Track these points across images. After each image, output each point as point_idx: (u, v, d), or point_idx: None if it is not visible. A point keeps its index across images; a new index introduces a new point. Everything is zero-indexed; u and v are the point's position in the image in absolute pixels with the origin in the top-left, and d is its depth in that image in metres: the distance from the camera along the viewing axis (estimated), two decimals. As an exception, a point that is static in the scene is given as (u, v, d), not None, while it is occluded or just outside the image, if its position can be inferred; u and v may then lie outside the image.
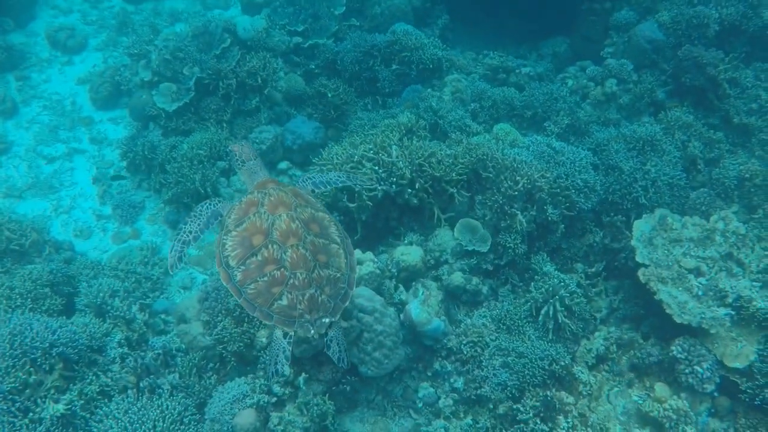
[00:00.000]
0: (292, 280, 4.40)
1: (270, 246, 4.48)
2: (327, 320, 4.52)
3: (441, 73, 10.22)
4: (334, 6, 11.61)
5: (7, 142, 10.15)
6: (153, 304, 7.42)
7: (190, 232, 4.98)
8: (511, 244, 6.85)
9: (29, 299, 6.57)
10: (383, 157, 7.19)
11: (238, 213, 4.76)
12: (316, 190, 5.61)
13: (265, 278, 4.42)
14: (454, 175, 7.14)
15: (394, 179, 7.04)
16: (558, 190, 7.15)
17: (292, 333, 4.53)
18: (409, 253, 6.96)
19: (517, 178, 6.82)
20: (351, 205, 7.21)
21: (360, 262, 6.50)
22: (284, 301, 4.39)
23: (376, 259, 6.61)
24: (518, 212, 6.82)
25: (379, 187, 7.06)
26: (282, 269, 4.43)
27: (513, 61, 10.77)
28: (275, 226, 4.56)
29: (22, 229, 7.66)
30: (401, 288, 6.63)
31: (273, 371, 4.61)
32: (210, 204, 5.13)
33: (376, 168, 7.11)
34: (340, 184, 5.89)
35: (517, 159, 7.07)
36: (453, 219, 7.27)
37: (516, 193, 6.80)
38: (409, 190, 7.08)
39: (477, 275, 7.01)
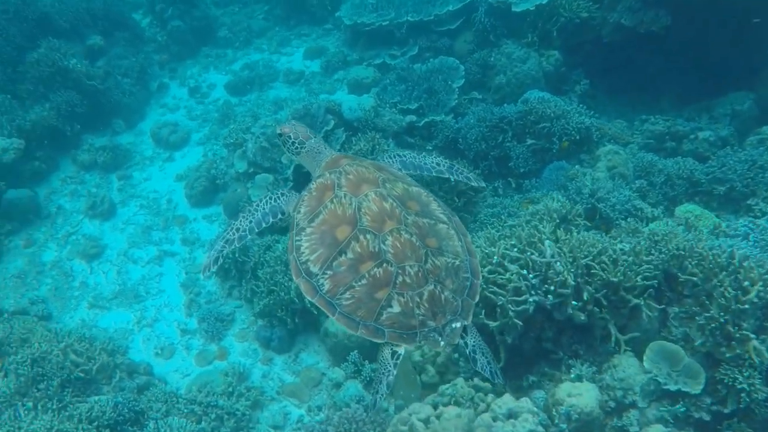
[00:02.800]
0: (401, 277, 3.42)
1: (362, 237, 3.51)
2: (458, 324, 3.51)
3: (591, 145, 8.23)
4: (452, 79, 10.13)
5: (100, 245, 9.23)
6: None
7: (238, 230, 4.04)
8: (744, 384, 4.51)
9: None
10: (533, 256, 5.23)
11: (309, 204, 3.79)
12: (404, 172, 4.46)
13: (363, 281, 3.44)
14: (638, 279, 5.02)
15: (551, 287, 5.03)
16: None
17: (401, 351, 3.52)
18: (580, 393, 4.83)
19: (745, 283, 4.56)
20: (491, 323, 5.27)
21: (512, 414, 4.44)
22: (396, 308, 3.40)
23: (535, 409, 4.51)
24: (751, 335, 4.50)
25: (530, 299, 5.08)
26: (384, 264, 3.44)
27: (683, 124, 8.58)
28: (363, 210, 3.60)
29: (92, 351, 6.38)
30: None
31: (372, 401, 3.60)
32: (269, 198, 4.14)
33: (524, 272, 5.13)
34: (435, 174, 4.64)
35: (737, 254, 4.83)
36: (638, 341, 5.16)
37: (746, 306, 4.52)
38: (574, 303, 5.01)
39: (687, 429, 4.68)
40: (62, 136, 10.78)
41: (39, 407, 5.57)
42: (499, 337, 5.50)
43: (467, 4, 11.09)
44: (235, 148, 9.22)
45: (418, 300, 3.43)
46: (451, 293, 3.55)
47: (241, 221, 4.06)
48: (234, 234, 4.03)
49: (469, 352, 3.73)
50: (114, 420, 5.68)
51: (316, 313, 6.96)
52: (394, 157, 4.55)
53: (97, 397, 5.99)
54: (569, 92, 10.14)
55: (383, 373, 3.54)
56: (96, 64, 12.25)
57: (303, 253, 3.63)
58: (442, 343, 3.48)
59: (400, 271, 3.43)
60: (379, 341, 3.46)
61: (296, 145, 4.26)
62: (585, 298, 5.00)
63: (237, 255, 7.70)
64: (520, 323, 5.12)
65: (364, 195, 3.67)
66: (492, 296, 5.33)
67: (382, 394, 3.54)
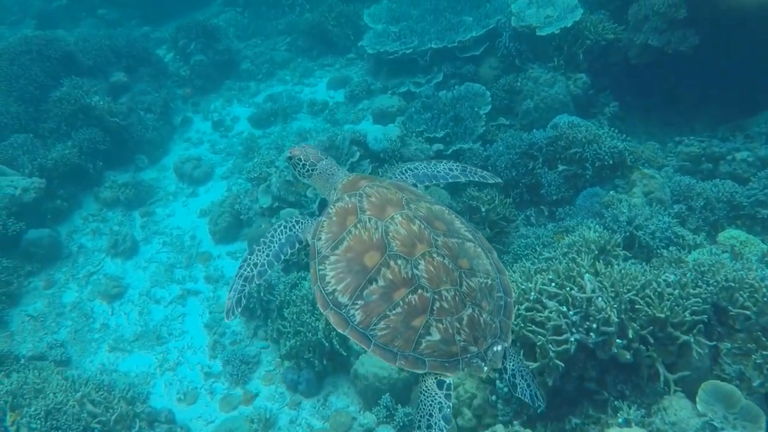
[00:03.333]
0: (438, 303, 3.30)
1: (392, 262, 3.38)
2: (499, 348, 3.40)
3: (624, 169, 7.96)
4: (478, 105, 9.99)
5: (122, 285, 9.16)
6: None
7: (255, 265, 3.82)
8: (810, 430, 4.20)
9: None
10: (573, 292, 4.99)
11: (330, 230, 3.65)
12: (419, 185, 4.32)
13: (398, 309, 3.31)
14: (686, 314, 4.76)
15: (594, 324, 4.78)
16: None
17: (450, 379, 3.36)
18: (629, 440, 4.52)
19: (807, 318, 4.28)
20: (530, 364, 5.02)
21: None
22: (435, 335, 3.28)
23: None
24: (817, 376, 4.22)
25: (572, 338, 4.83)
26: (420, 290, 3.32)
27: (719, 145, 8.29)
28: (391, 234, 3.47)
29: (110, 400, 6.22)
30: None
31: None
32: (284, 227, 3.92)
33: (564, 309, 4.90)
34: (451, 180, 4.50)
35: (795, 286, 4.55)
36: (688, 381, 4.89)
37: (809, 344, 4.23)
38: (619, 341, 4.75)
39: (748, 479, 4.37)
40: (85, 173, 10.83)
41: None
42: (539, 378, 5.25)
43: (490, 30, 11.01)
44: (259, 183, 9.14)
45: (458, 325, 3.31)
46: (488, 315, 3.44)
47: (257, 255, 3.84)
48: (252, 270, 3.82)
49: (509, 377, 3.56)
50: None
51: (345, 354, 6.76)
52: (406, 172, 4.40)
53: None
54: (598, 115, 9.94)
55: (431, 405, 3.35)
56: (119, 101, 12.36)
57: (329, 282, 3.49)
58: (485, 368, 3.35)
59: (436, 297, 3.32)
60: (420, 372, 3.32)
61: (307, 167, 4.11)
62: (630, 336, 4.74)
63: (262, 294, 7.55)
64: (562, 364, 4.87)
65: (390, 218, 3.55)
66: (530, 335, 5.10)
67: (441, 428, 3.30)
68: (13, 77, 11.25)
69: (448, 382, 3.39)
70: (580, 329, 4.95)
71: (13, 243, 9.31)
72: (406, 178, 4.34)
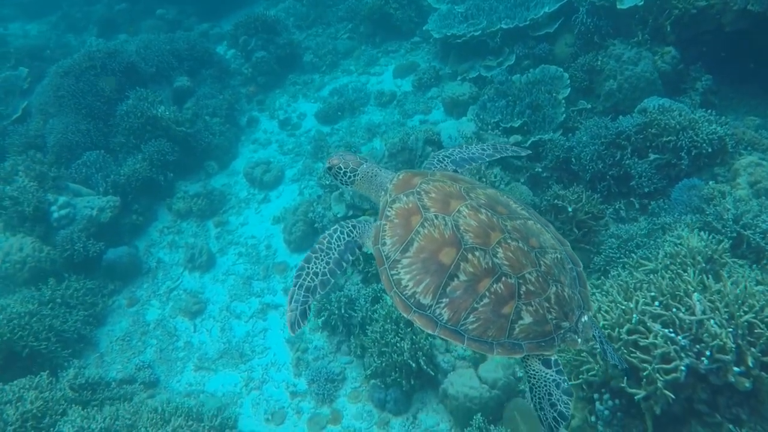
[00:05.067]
0: (524, 287, 3.38)
1: (470, 255, 3.42)
2: (586, 318, 3.52)
3: (725, 156, 7.50)
4: (556, 89, 9.63)
5: (202, 301, 9.44)
6: None
7: (316, 275, 3.72)
8: None
9: None
10: (680, 314, 4.74)
11: (394, 233, 3.63)
12: (460, 171, 4.37)
13: (486, 300, 3.36)
14: (814, 337, 4.44)
15: (707, 350, 4.53)
16: None
17: (555, 356, 3.50)
18: (753, 477, 4.29)
19: None
20: (636, 392, 4.82)
21: None
22: (527, 319, 3.37)
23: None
24: None
25: (682, 365, 4.60)
26: (504, 278, 3.38)
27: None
28: (462, 228, 3.49)
29: (200, 430, 6.38)
30: None
31: (552, 420, 3.41)
32: (341, 232, 3.88)
33: (673, 334, 4.67)
34: (487, 159, 4.51)
35: None
36: (818, 408, 4.52)
37: None
38: (736, 369, 4.49)
39: None
40: (156, 185, 11.18)
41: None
42: (644, 404, 5.06)
43: (564, 4, 10.55)
44: (332, 190, 9.16)
45: (547, 305, 3.41)
46: (569, 288, 3.55)
47: (315, 264, 3.75)
48: (313, 280, 3.72)
49: (595, 345, 3.68)
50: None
51: (433, 374, 6.73)
52: (444, 160, 4.39)
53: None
54: (689, 90, 9.38)
55: (546, 385, 3.46)
56: (184, 106, 12.67)
57: (406, 286, 3.51)
58: (580, 340, 3.45)
59: (521, 281, 3.39)
60: (518, 356, 3.41)
61: (348, 174, 4.12)
62: (750, 364, 4.47)
63: (343, 310, 7.60)
64: (672, 396, 4.66)
65: (456, 212, 3.56)
66: (635, 362, 4.90)
67: (565, 403, 3.39)
68: (80, 94, 11.66)
69: (554, 359, 3.49)
70: (690, 354, 4.73)
71: (94, 263, 9.74)
72: (446, 165, 4.37)
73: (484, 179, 8.00)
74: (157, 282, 9.98)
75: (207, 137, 12.05)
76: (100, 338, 9.19)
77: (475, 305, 3.37)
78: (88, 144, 11.23)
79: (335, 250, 3.83)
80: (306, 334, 8.37)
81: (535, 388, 3.50)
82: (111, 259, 9.79)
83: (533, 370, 3.51)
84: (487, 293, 3.36)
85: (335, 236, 3.87)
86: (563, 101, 9.41)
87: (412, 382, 6.83)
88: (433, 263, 3.46)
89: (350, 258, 3.83)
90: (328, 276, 3.73)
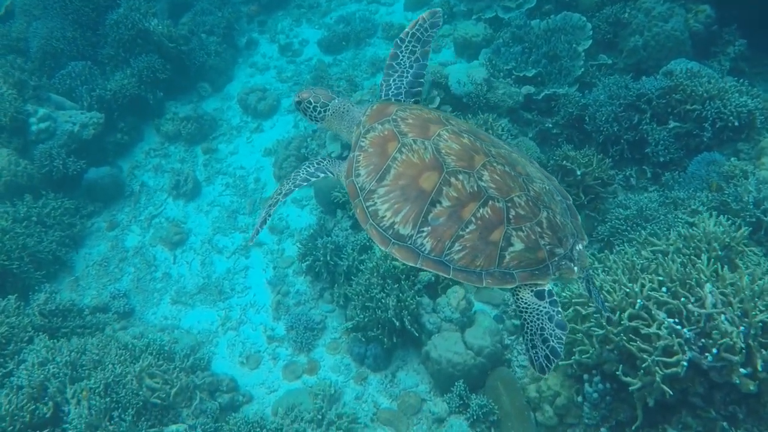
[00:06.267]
0: (513, 211, 3.18)
1: (453, 179, 3.20)
2: (581, 246, 3.35)
3: (752, 132, 7.06)
4: (577, 40, 9.03)
5: (184, 231, 9.11)
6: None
7: (279, 193, 3.70)
8: None
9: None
10: (689, 305, 4.43)
11: (369, 162, 3.40)
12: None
13: (472, 226, 3.16)
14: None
15: (713, 347, 4.25)
16: None
17: (549, 286, 3.27)
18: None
19: None
20: (631, 381, 4.57)
21: None
22: (518, 245, 3.16)
23: None
24: None
25: (684, 360, 4.33)
26: (491, 202, 3.17)
27: None
28: (444, 151, 3.27)
29: (169, 373, 6.16)
30: None
31: (544, 358, 3.18)
32: (310, 164, 3.73)
33: (678, 326, 4.37)
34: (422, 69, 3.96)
35: None
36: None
37: None
38: (743, 370, 4.22)
39: None
40: (145, 104, 10.68)
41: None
42: (637, 393, 4.82)
43: (595, -56, 9.82)
44: (327, 127, 8.70)
45: (539, 229, 3.21)
46: (561, 216, 3.36)
47: (285, 186, 3.71)
48: (279, 197, 3.70)
49: (584, 280, 3.43)
50: (194, 458, 5.54)
51: (417, 334, 6.47)
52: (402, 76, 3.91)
53: (175, 428, 5.83)
54: (719, 55, 8.83)
55: (539, 318, 3.24)
56: (180, 21, 12.02)
57: (384, 217, 3.31)
58: (576, 269, 3.27)
59: (509, 205, 3.19)
60: (510, 287, 3.24)
61: (318, 109, 3.84)
62: (759, 367, 4.19)
63: (329, 257, 7.27)
64: (670, 391, 4.41)
65: (436, 135, 3.33)
66: (633, 350, 4.62)
67: (557, 339, 3.17)
68: (67, -2, 10.95)
69: (548, 289, 3.29)
70: (694, 347, 4.46)
71: (74, 182, 9.36)
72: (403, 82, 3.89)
73: (490, 130, 7.54)
74: (140, 207, 9.62)
75: (202, 57, 11.42)
76: (76, 261, 8.89)
77: (461, 232, 3.18)
78: (74, 53, 10.62)
79: (303, 175, 3.71)
80: (289, 276, 8.09)
81: (527, 322, 3.29)
82: (92, 179, 9.39)
83: (525, 303, 3.31)
84: (473, 219, 3.17)
85: (305, 166, 3.74)
86: (583, 54, 8.84)
87: (395, 340, 6.58)
88: (412, 190, 3.26)
89: (321, 176, 3.68)
90: (292, 190, 3.67)
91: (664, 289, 4.71)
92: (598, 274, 5.32)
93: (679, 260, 4.90)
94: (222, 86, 11.89)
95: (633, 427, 4.94)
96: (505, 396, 6.07)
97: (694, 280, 4.62)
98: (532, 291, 3.29)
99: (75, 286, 8.51)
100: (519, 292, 3.30)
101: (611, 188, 7.38)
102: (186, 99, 11.42)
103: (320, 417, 6.27)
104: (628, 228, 6.55)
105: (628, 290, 4.80)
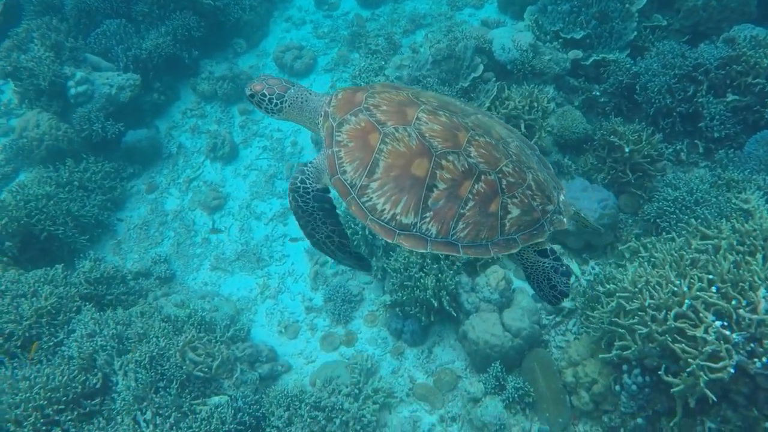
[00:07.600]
0: (505, 180, 3.37)
1: (444, 161, 3.29)
2: (563, 196, 3.65)
3: (816, 109, 6.73)
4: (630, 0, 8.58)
5: (222, 195, 9.18)
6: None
7: (330, 239, 3.65)
8: None
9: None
10: (741, 311, 4.33)
11: (353, 158, 3.35)
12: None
13: (471, 203, 3.31)
14: None
15: (764, 355, 4.18)
16: None
17: (550, 245, 3.71)
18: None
19: None
20: (672, 379, 4.54)
21: None
22: (515, 211, 3.40)
23: None
24: None
25: (731, 366, 4.27)
26: (483, 176, 3.32)
27: None
28: (427, 134, 3.32)
29: (211, 345, 6.33)
30: None
31: (552, 296, 3.76)
32: (299, 196, 3.52)
33: (728, 331, 4.29)
34: None
35: None
36: None
37: None
38: (792, 380, 4.15)
39: None
40: (180, 63, 10.64)
41: (158, 418, 5.66)
42: (678, 394, 4.78)
43: None
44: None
45: (530, 192, 3.43)
46: (541, 172, 3.60)
47: (316, 231, 3.63)
48: (330, 245, 3.68)
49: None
50: (235, 429, 5.72)
51: (455, 315, 6.49)
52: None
53: (217, 399, 6.01)
54: (787, 20, 8.35)
55: (544, 271, 3.71)
56: (215, -27, 11.79)
57: (383, 210, 3.34)
58: (566, 220, 3.55)
59: (500, 175, 3.37)
60: (514, 251, 3.43)
61: (274, 101, 3.70)
62: (810, 379, 4.11)
63: (367, 231, 7.28)
64: (713, 397, 4.36)
65: (415, 119, 3.36)
66: (678, 351, 4.56)
67: (563, 284, 3.70)
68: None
69: (549, 248, 3.68)
70: (741, 351, 4.38)
71: (113, 145, 9.47)
72: None
73: (535, 103, 7.32)
74: (177, 169, 9.71)
75: (237, 12, 11.23)
76: (118, 224, 9.06)
77: (462, 211, 3.31)
78: (108, 11, 10.50)
79: (322, 226, 3.60)
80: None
81: (534, 276, 3.73)
82: (130, 142, 9.48)
83: (530, 262, 3.71)
84: (471, 195, 3.31)
85: (301, 202, 3.53)
86: (636, 14, 8.45)
87: (432, 318, 6.63)
88: (406, 179, 3.29)
89: (316, 186, 3.54)
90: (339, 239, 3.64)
91: (713, 288, 4.61)
92: (644, 266, 5.22)
93: (731, 258, 4.76)
94: (257, 42, 11.76)
95: (671, 423, 4.94)
96: (542, 378, 6.11)
97: (747, 283, 4.50)
98: (535, 251, 3.67)
99: (117, 250, 8.73)
100: (524, 254, 3.66)
101: (660, 165, 7.15)
102: (221, 56, 11.32)
103: (357, 391, 6.41)
104: (677, 210, 6.38)
105: (675, 288, 4.71)
